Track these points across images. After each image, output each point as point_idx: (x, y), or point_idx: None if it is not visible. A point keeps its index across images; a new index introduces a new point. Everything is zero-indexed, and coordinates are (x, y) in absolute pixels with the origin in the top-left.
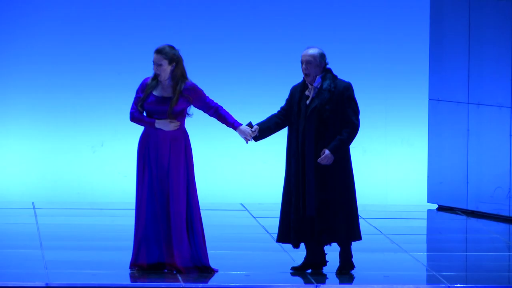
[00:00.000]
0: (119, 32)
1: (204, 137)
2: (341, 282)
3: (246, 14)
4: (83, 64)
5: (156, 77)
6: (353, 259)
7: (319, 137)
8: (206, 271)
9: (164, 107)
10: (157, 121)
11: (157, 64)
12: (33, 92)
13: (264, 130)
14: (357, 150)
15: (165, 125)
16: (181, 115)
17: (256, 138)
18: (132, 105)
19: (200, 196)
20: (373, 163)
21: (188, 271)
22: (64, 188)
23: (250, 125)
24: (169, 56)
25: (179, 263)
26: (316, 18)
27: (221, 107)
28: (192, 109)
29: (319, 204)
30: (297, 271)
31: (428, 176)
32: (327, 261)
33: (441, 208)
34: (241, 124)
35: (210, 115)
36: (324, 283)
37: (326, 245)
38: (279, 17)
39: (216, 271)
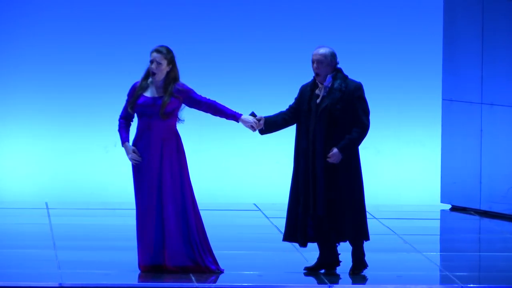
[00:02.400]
0: (133, 32)
1: (217, 137)
2: (354, 282)
3: (256, 13)
4: (96, 64)
5: (146, 78)
6: (366, 259)
7: (329, 137)
8: (208, 272)
9: (155, 108)
10: (125, 143)
11: (157, 63)
12: (46, 92)
13: (270, 124)
14: (370, 150)
15: (128, 152)
16: (172, 116)
17: (262, 132)
18: (121, 112)
19: (213, 196)
20: (386, 163)
21: (181, 270)
22: (77, 188)
23: (253, 114)
24: (169, 57)
25: (168, 263)
26: (328, 18)
27: (215, 101)
28: (185, 115)
29: (327, 203)
30: (310, 271)
31: (441, 176)
32: (341, 261)
33: (454, 208)
34: (242, 114)
35: (205, 111)
36: (337, 283)
37: (335, 244)
38: (290, 17)
39: (222, 271)
